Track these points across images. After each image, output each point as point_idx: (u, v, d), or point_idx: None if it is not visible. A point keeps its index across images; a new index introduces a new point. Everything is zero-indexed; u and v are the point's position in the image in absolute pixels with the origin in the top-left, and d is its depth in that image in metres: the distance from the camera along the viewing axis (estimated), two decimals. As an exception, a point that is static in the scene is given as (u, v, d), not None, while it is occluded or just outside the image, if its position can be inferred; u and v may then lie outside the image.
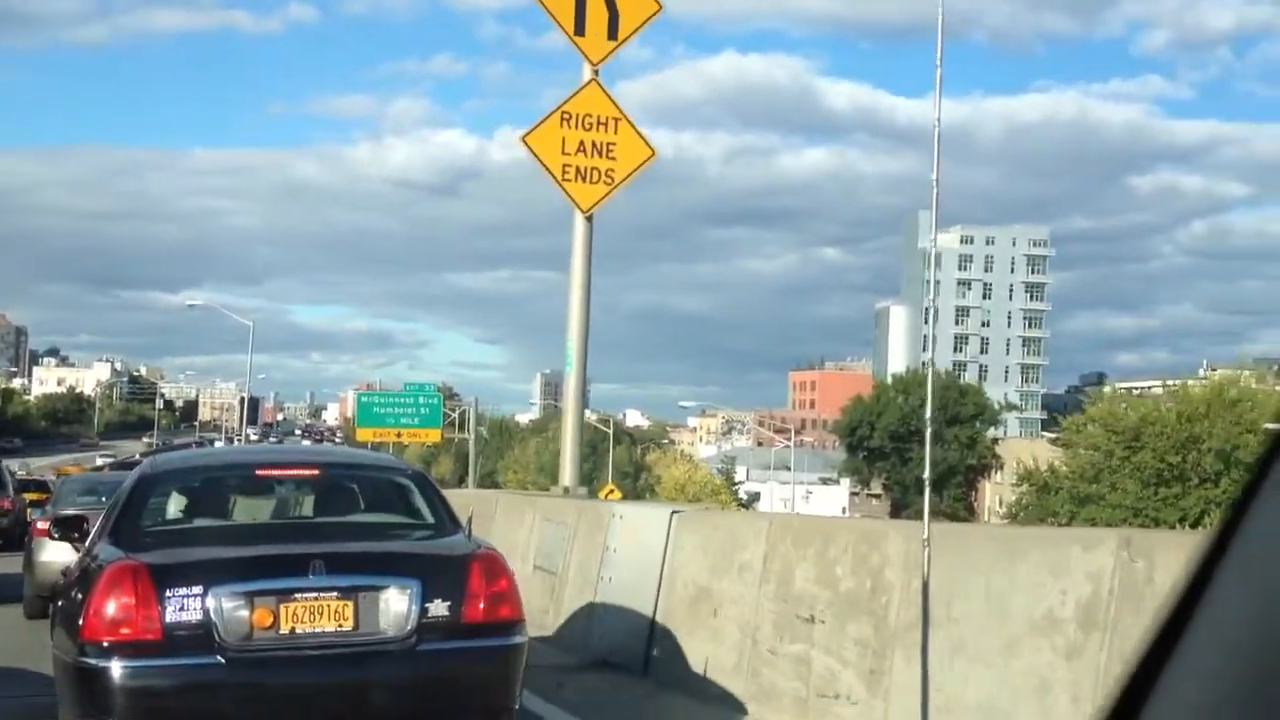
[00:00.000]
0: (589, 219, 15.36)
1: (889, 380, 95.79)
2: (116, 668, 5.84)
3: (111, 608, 5.92)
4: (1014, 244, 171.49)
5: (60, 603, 6.93)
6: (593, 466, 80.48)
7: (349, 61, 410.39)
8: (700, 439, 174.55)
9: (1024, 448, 73.97)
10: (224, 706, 6.07)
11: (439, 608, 6.26)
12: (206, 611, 5.94)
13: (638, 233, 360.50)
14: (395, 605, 6.22)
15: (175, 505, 7.52)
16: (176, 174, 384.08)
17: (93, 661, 5.87)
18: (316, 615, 6.11)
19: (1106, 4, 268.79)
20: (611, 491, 64.19)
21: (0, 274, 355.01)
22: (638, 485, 71.01)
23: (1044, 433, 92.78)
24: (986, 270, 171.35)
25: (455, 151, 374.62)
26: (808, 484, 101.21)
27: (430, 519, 7.21)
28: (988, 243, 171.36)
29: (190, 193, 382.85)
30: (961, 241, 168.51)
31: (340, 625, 6.14)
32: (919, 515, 7.82)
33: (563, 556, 12.46)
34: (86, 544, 7.41)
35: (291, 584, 6.12)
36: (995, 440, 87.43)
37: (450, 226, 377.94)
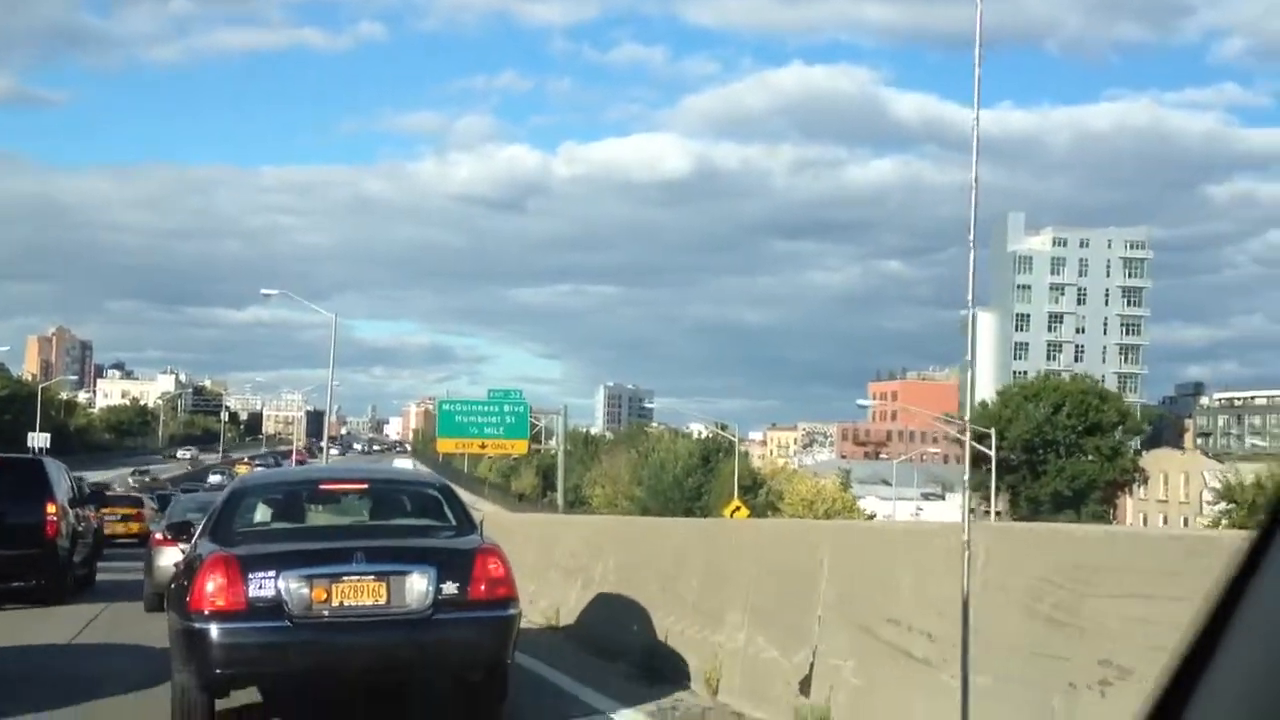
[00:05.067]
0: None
1: (990, 390, 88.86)
2: (214, 629, 7.77)
3: (210, 586, 7.86)
4: (1109, 246, 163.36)
5: (173, 585, 8.90)
6: (705, 479, 73.92)
7: (418, 78, 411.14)
8: (771, 452, 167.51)
9: (1172, 460, 66.48)
10: (291, 658, 7.94)
11: (450, 588, 8.05)
12: (278, 590, 7.84)
13: (700, 246, 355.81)
14: (418, 586, 8.03)
15: (258, 512, 9.51)
16: (244, 191, 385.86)
17: (197, 625, 7.81)
18: (358, 593, 7.96)
19: (1182, 12, 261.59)
20: (738, 508, 57.76)
21: (69, 290, 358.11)
22: (756, 501, 64.41)
23: (1184, 442, 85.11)
24: (1081, 274, 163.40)
25: (520, 166, 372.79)
26: (909, 499, 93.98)
27: (452, 521, 9.20)
28: (1081, 245, 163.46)
29: (257, 210, 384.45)
30: (1054, 244, 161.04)
31: (376, 600, 7.97)
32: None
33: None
34: (192, 542, 9.60)
35: (340, 569, 7.98)
36: (1138, 452, 79.76)
37: (512, 241, 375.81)
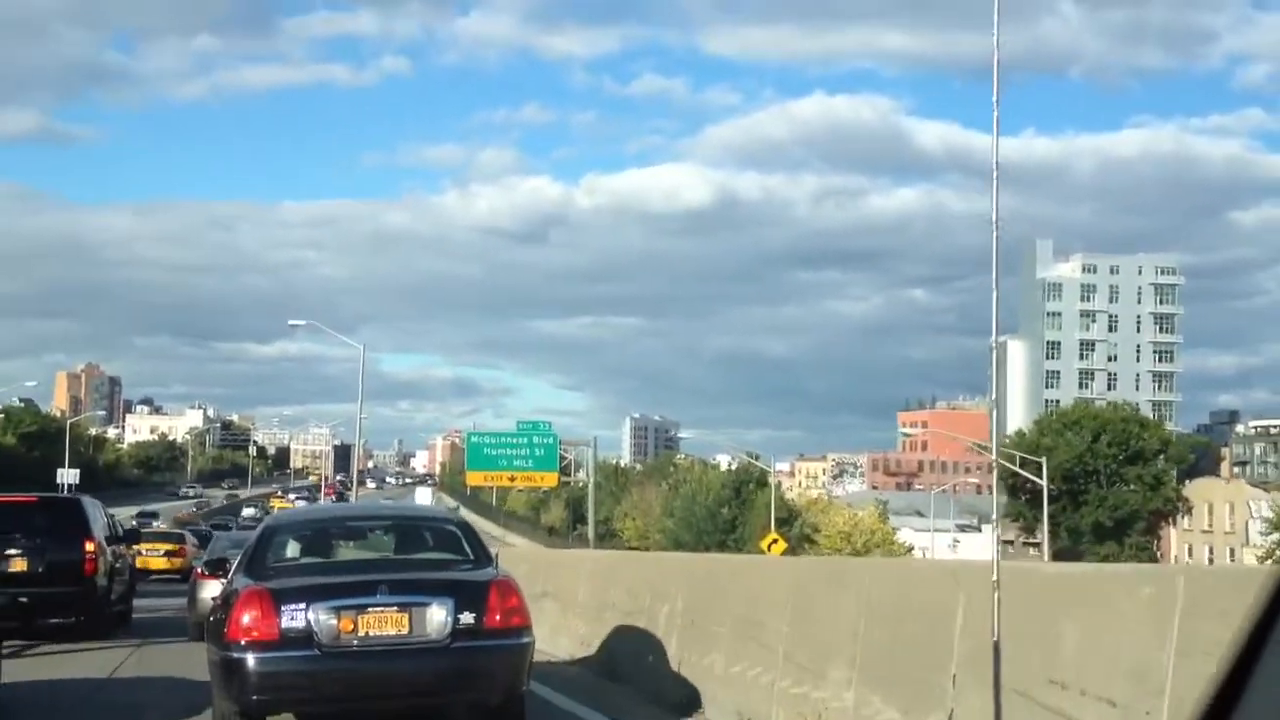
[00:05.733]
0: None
1: (1010, 417, 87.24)
2: (250, 658, 8.38)
3: (246, 618, 8.46)
4: (1140, 272, 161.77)
5: (212, 618, 9.43)
6: (738, 511, 72.80)
7: (440, 112, 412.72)
8: (800, 483, 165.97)
9: (1215, 489, 64.87)
10: (321, 685, 8.51)
11: (468, 618, 8.54)
12: (308, 621, 8.42)
13: (722, 277, 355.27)
14: (437, 616, 8.55)
15: (290, 548, 9.96)
16: (268, 226, 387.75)
17: (235, 655, 8.43)
18: (383, 623, 8.50)
19: (1206, 39, 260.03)
20: (775, 541, 56.55)
21: (96, 326, 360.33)
22: (791, 533, 63.11)
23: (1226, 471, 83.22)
24: (1111, 301, 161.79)
25: (542, 198, 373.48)
26: (944, 530, 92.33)
27: (470, 555, 9.67)
28: (1112, 271, 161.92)
29: (281, 244, 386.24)
30: (1083, 270, 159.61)
31: (399, 630, 8.50)
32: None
33: None
34: (229, 577, 10.22)
35: (365, 601, 8.53)
36: (1180, 482, 77.98)
37: (534, 273, 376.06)
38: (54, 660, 14.87)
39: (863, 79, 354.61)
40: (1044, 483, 51.07)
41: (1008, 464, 51.75)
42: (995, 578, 5.41)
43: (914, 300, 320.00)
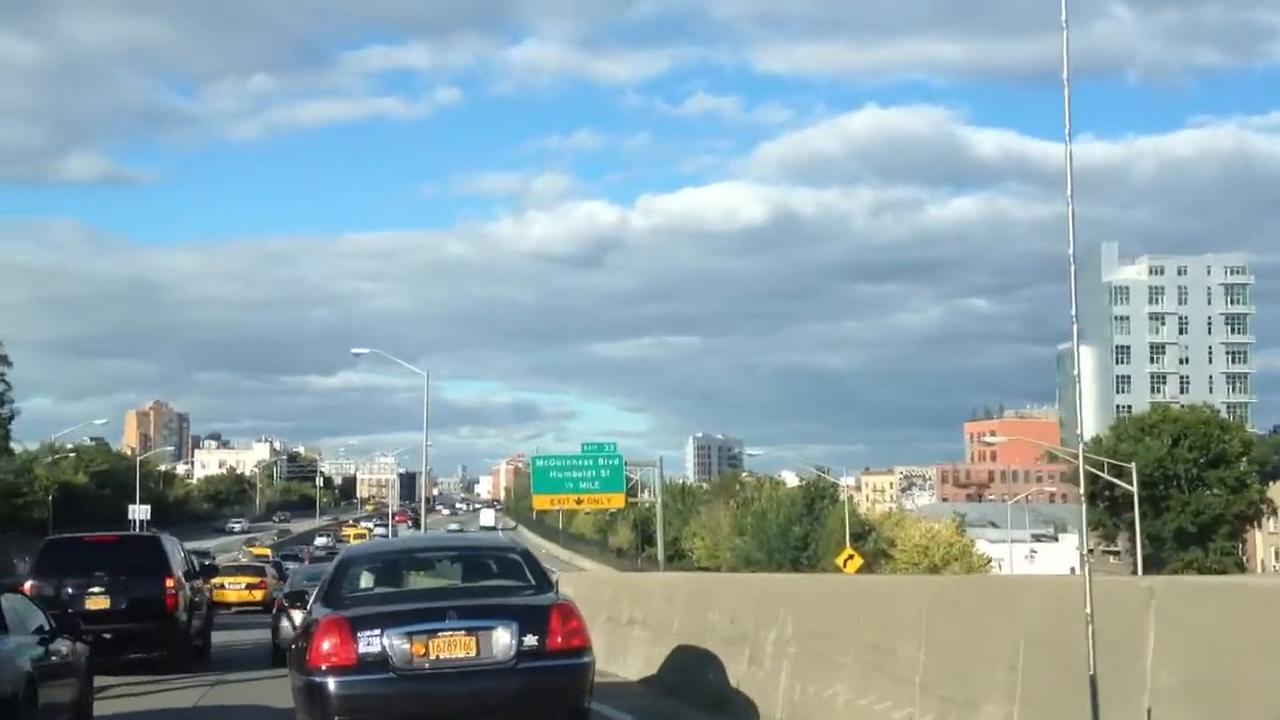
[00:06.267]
0: None
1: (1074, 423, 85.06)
2: (330, 682, 8.97)
3: (326, 645, 9.08)
4: (1208, 273, 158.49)
5: (293, 645, 10.26)
6: (810, 528, 71.58)
7: (494, 141, 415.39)
8: (866, 497, 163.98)
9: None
10: (396, 706, 9.03)
11: (531, 640, 9.11)
12: (383, 646, 9.00)
13: (780, 293, 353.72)
14: (502, 639, 9.12)
15: (364, 579, 10.47)
16: (327, 259, 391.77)
17: (316, 679, 9.03)
18: (452, 646, 9.07)
19: (1263, 35, 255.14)
20: (850, 557, 55.48)
21: (164, 365, 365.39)
22: (866, 548, 61.83)
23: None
24: (1180, 303, 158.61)
25: (597, 222, 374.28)
26: (1020, 540, 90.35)
27: (532, 581, 10.22)
28: (1180, 273, 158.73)
29: (341, 276, 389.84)
30: (1150, 273, 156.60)
31: (467, 653, 9.07)
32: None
33: None
34: (308, 607, 10.81)
35: (435, 626, 9.10)
36: (1263, 484, 75.64)
37: (592, 297, 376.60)
38: (138, 693, 15.21)
39: (915, 90, 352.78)
40: (1134, 488, 49.50)
41: (1096, 470, 50.25)
42: (1089, 604, 4.31)
43: (976, 310, 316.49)
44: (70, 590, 17.53)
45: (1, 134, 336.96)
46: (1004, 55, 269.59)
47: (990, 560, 72.30)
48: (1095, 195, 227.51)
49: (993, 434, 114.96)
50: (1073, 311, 5.54)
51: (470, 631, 9.06)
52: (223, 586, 37.10)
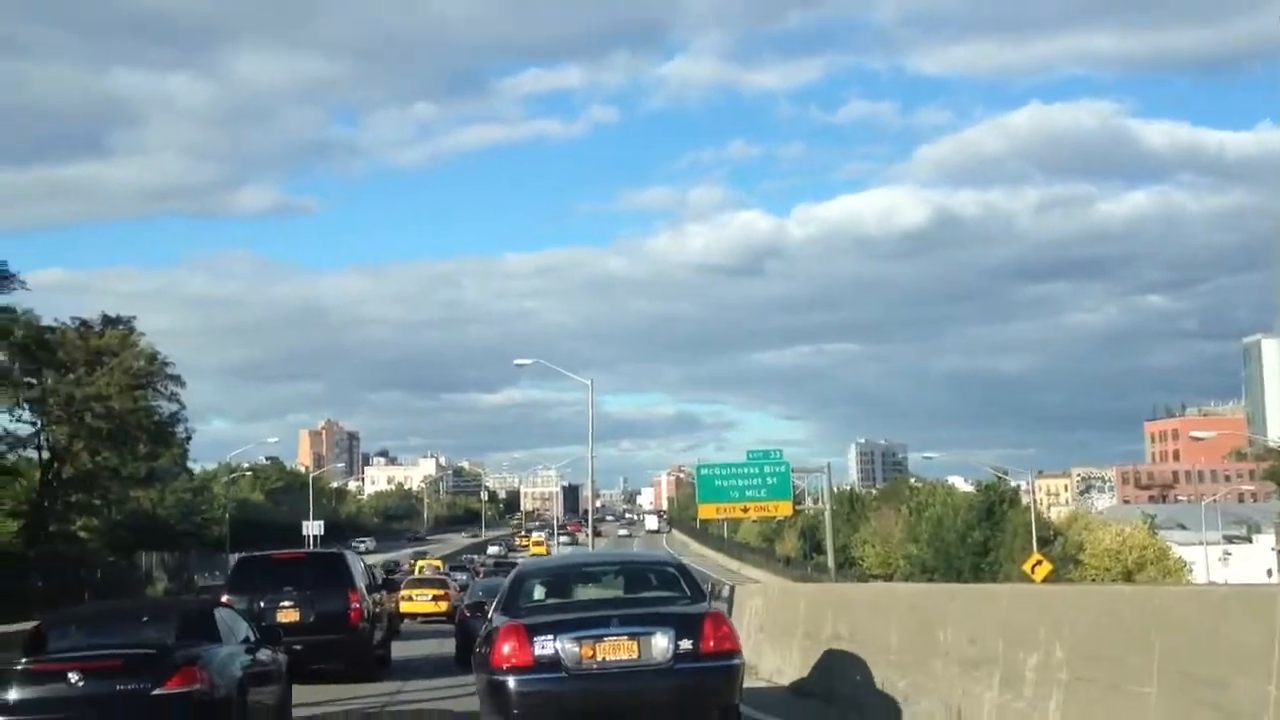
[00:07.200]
0: None
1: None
2: (511, 680, 10.07)
3: (506, 649, 10.17)
4: None
5: (478, 650, 11.28)
6: (990, 534, 68.40)
7: (650, 156, 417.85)
8: (1041, 502, 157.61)
9: None
10: (568, 702, 10.02)
11: (686, 644, 10.07)
12: (556, 649, 10.03)
13: (942, 297, 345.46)
14: (661, 643, 10.07)
15: (538, 590, 11.61)
16: (490, 279, 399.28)
17: (499, 679, 10.14)
18: (616, 650, 10.06)
19: None
20: (1039, 563, 52.41)
21: (335, 385, 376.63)
22: (1052, 553, 58.41)
23: None
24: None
25: (754, 232, 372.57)
26: (1211, 542, 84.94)
27: (688, 592, 11.17)
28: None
29: (503, 295, 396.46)
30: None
31: (630, 656, 10.06)
32: None
33: None
34: (488, 616, 12.12)
35: (601, 632, 10.11)
36: None
37: (751, 306, 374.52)
38: (328, 700, 16.25)
39: (1078, 85, 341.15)
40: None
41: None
42: None
43: (1151, 306, 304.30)
44: (262, 604, 18.41)
45: (178, 171, 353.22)
46: (1169, 45, 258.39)
47: (1186, 564, 67.82)
48: (1274, 184, 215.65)
49: (1170, 434, 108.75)
50: None
51: (632, 636, 10.06)
52: (410, 598, 39.07)
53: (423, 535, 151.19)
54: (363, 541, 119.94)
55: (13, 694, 9.86)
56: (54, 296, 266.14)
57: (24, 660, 10.38)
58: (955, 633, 10.30)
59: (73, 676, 9.88)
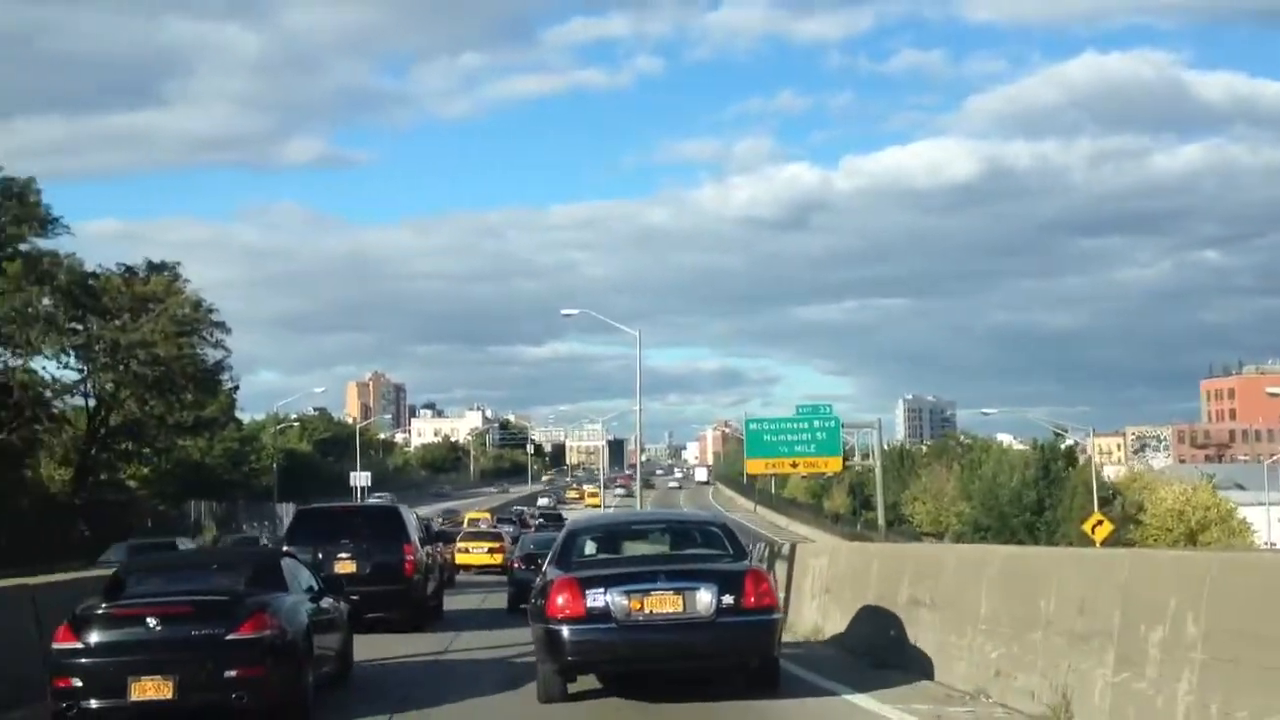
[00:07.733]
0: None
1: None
2: (565, 630, 10.88)
3: (560, 600, 10.95)
4: None
5: (533, 601, 12.05)
6: (1047, 492, 67.02)
7: (694, 107, 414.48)
8: (1094, 459, 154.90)
9: None
10: (617, 651, 10.94)
11: (728, 599, 10.83)
12: (606, 602, 10.83)
13: (992, 251, 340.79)
14: (704, 598, 10.85)
15: (589, 546, 12.57)
16: (535, 231, 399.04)
17: (553, 628, 10.94)
18: (662, 603, 10.85)
19: None
20: (1100, 523, 51.12)
21: (381, 338, 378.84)
22: (1112, 513, 56.94)
23: None
24: None
25: (800, 184, 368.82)
26: (1273, 502, 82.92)
27: (730, 551, 12.03)
28: None
29: (548, 247, 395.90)
30: None
31: (675, 609, 10.84)
32: None
33: None
34: (543, 570, 12.87)
35: (648, 586, 10.91)
36: None
37: (796, 260, 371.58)
38: (386, 647, 16.58)
39: (1136, 34, 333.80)
40: None
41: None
42: None
43: (1206, 262, 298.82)
44: (320, 555, 18.71)
45: (229, 122, 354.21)
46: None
47: (1251, 525, 66.07)
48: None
49: (1226, 392, 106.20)
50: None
51: (677, 591, 10.84)
52: (467, 550, 40.38)
53: (448, 493, 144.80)
54: (381, 497, 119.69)
55: (94, 636, 10.33)
56: (109, 245, 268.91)
57: (104, 605, 10.77)
58: (1060, 601, 9.29)
59: (150, 620, 10.37)
